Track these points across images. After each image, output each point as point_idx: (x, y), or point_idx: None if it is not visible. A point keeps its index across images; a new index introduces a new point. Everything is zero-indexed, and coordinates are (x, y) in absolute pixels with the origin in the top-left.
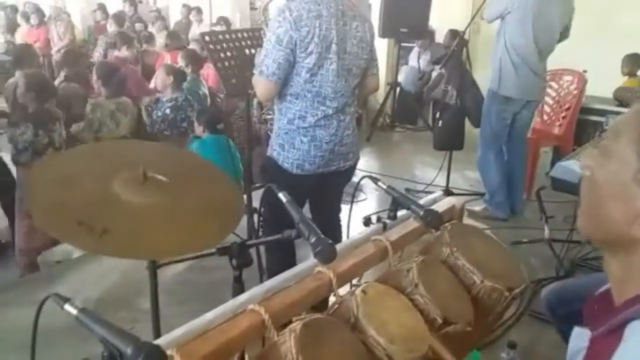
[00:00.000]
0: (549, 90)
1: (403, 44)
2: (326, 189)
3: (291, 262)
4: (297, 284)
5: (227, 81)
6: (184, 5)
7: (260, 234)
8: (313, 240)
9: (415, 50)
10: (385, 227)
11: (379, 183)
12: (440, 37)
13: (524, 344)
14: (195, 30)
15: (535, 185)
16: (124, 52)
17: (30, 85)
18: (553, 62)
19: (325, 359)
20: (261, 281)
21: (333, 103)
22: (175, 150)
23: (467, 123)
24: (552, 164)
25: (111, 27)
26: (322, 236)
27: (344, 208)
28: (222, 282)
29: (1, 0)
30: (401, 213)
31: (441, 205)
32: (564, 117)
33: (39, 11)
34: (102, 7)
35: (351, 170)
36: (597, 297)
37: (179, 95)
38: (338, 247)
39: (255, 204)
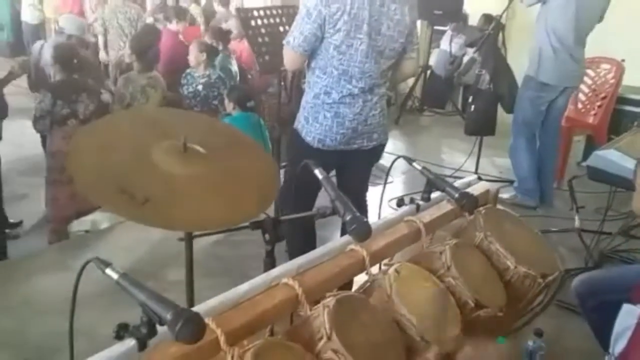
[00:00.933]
0: (585, 78)
1: (436, 27)
2: (351, 167)
3: (312, 244)
4: (330, 260)
5: (260, 57)
6: None
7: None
8: (348, 217)
9: (448, 33)
10: (418, 209)
11: (414, 164)
12: (473, 22)
13: (549, 333)
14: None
15: (567, 174)
16: (174, 26)
17: (57, 57)
18: (591, 49)
19: (358, 336)
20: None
21: (359, 83)
22: (216, 122)
23: (500, 109)
24: (585, 153)
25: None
26: (358, 214)
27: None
28: (249, 257)
29: None
30: (434, 195)
31: (475, 190)
32: (599, 107)
33: None
34: None
35: (377, 150)
36: None
37: (211, 72)
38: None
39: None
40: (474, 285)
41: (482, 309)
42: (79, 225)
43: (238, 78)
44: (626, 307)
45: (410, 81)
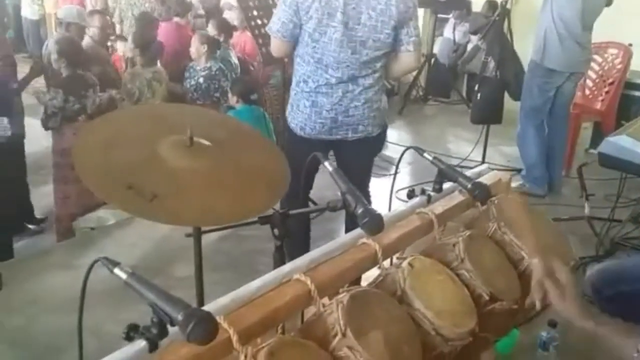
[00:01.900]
0: (592, 64)
1: (440, 15)
2: (342, 159)
3: (306, 242)
4: (341, 255)
5: (263, 47)
6: None
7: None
8: (360, 211)
9: (451, 21)
10: (429, 200)
11: (425, 154)
12: (476, 9)
13: (562, 323)
14: None
15: (575, 161)
16: (181, 19)
17: (62, 51)
18: (598, 34)
19: (373, 331)
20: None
21: (336, 73)
22: (222, 116)
23: (506, 97)
24: (593, 140)
25: None
26: (370, 207)
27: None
28: (256, 252)
29: None
30: (445, 186)
31: (487, 179)
32: (607, 92)
33: None
34: None
35: (368, 142)
36: None
37: (212, 64)
38: None
39: None
40: (488, 277)
41: (496, 302)
42: (84, 222)
43: (239, 70)
44: None
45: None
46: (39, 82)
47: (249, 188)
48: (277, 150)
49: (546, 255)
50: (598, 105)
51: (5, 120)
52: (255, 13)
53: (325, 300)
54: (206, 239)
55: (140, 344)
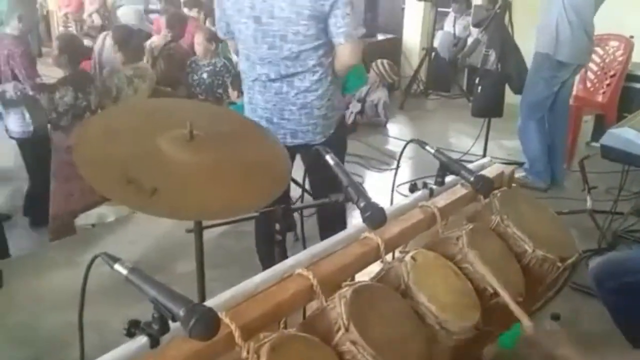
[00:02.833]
0: (593, 56)
1: (440, 9)
2: (306, 163)
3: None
4: (344, 249)
5: None
6: None
7: None
8: (362, 204)
9: (451, 15)
10: (431, 193)
11: (427, 147)
12: (476, 2)
13: (565, 316)
14: None
15: (576, 154)
16: (194, 12)
17: (62, 47)
18: (599, 26)
19: (376, 326)
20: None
21: (263, 69)
22: (222, 109)
23: (507, 90)
24: (594, 133)
25: None
26: (372, 200)
27: (379, 176)
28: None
29: None
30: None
31: (490, 172)
32: (608, 85)
33: None
34: None
35: (311, 149)
36: None
37: (217, 61)
38: None
39: None
40: (492, 270)
41: (500, 295)
42: (85, 219)
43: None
44: None
45: (415, 64)
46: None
47: (250, 182)
48: (278, 144)
49: None
50: (599, 98)
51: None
52: None
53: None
54: (207, 235)
55: (142, 340)
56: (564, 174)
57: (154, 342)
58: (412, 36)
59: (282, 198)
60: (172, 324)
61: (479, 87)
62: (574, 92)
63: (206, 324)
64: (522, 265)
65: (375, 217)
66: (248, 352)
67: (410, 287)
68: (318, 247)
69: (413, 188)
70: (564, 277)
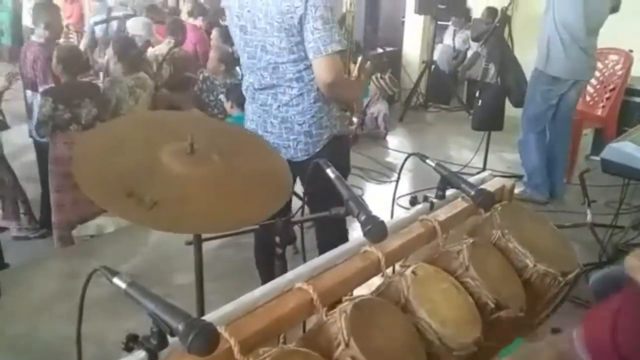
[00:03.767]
0: None
1: (439, 22)
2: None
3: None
4: (344, 263)
5: None
6: None
7: None
8: (363, 218)
9: (451, 28)
10: (432, 207)
11: (428, 160)
12: (476, 15)
13: (566, 330)
14: None
15: (576, 168)
16: (199, 22)
17: (60, 58)
18: (599, 40)
19: (377, 341)
20: (304, 260)
21: (250, 77)
22: (223, 123)
23: (507, 103)
24: (594, 147)
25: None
26: (373, 214)
27: (379, 188)
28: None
29: None
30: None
31: (490, 186)
32: (607, 99)
33: None
34: None
35: (297, 165)
36: None
37: (232, 80)
38: None
39: None
40: (493, 285)
41: (502, 309)
42: (84, 230)
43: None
44: None
45: (415, 77)
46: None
47: (250, 195)
48: (279, 157)
49: None
50: (599, 112)
51: None
52: None
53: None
54: (206, 246)
55: (140, 354)
56: (564, 188)
57: (152, 357)
58: (412, 49)
59: (284, 210)
60: (170, 339)
61: (479, 100)
62: None
63: (205, 338)
64: (523, 279)
65: (376, 231)
66: None
67: (411, 302)
68: (318, 261)
69: (414, 201)
70: (564, 291)
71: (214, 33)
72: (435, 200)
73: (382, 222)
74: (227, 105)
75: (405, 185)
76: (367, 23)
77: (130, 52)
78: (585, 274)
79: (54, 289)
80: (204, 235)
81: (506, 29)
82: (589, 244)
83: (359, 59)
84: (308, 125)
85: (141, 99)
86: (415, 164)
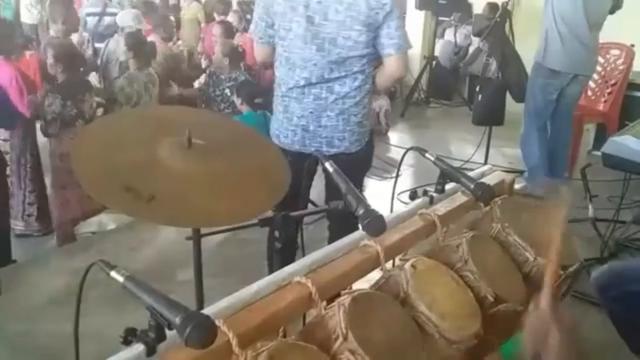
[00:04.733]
0: None
1: (440, 18)
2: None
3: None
4: (343, 257)
5: None
6: None
7: None
8: (362, 211)
9: (452, 24)
10: (432, 201)
11: (427, 155)
12: (477, 11)
13: None
14: None
15: (578, 163)
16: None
17: (58, 56)
18: (600, 35)
19: (375, 335)
20: (303, 254)
21: (303, 73)
22: (221, 117)
23: (509, 98)
24: (595, 142)
25: None
26: (372, 207)
27: (379, 184)
28: (256, 256)
29: None
30: (447, 187)
31: (490, 180)
32: (609, 93)
33: None
34: None
35: (344, 160)
36: None
37: (238, 75)
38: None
39: None
40: (493, 279)
41: (502, 303)
42: (85, 227)
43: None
44: None
45: (416, 73)
46: None
47: (248, 190)
48: (278, 152)
49: None
50: (601, 107)
51: None
52: (249, 17)
53: None
54: (206, 243)
55: (138, 348)
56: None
57: (151, 350)
58: (413, 45)
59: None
60: (168, 332)
61: (480, 96)
62: None
63: (202, 331)
64: (523, 273)
65: (375, 224)
66: None
67: (410, 295)
68: (317, 255)
69: (413, 196)
70: (565, 285)
71: (216, 28)
72: (434, 194)
73: (381, 215)
74: (238, 100)
75: (407, 181)
76: None
77: (144, 48)
78: (587, 268)
79: (56, 286)
80: (203, 231)
81: (507, 24)
82: (591, 238)
83: None
84: (361, 116)
85: (153, 95)
86: (416, 159)
